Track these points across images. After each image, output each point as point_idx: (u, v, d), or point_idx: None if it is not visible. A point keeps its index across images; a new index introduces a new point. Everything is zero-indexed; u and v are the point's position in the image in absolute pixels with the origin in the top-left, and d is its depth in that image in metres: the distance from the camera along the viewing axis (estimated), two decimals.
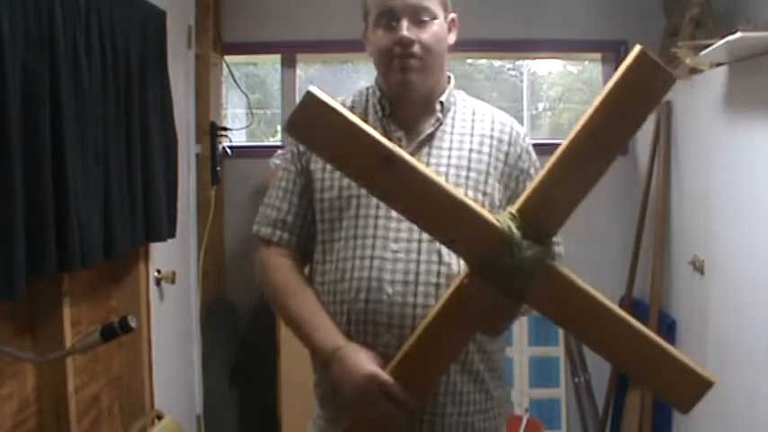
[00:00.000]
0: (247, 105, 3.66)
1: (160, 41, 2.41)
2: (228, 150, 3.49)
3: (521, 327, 3.50)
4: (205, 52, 3.19)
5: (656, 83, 1.23)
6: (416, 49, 1.44)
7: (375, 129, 1.46)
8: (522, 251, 1.21)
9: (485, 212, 1.26)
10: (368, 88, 1.58)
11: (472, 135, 1.52)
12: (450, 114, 1.54)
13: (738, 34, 2.05)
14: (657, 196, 2.95)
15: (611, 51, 3.63)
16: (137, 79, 2.19)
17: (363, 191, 1.42)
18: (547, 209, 1.25)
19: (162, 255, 2.57)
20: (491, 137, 1.52)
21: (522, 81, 3.99)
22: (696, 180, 2.70)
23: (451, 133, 1.52)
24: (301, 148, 1.52)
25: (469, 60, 3.96)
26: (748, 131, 2.27)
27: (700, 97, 2.64)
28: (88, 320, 2.15)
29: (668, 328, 2.86)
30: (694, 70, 2.71)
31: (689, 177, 2.78)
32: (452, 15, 1.53)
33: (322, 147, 1.25)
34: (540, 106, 4.04)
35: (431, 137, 1.50)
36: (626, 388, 3.28)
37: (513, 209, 1.25)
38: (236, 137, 3.63)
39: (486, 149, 1.50)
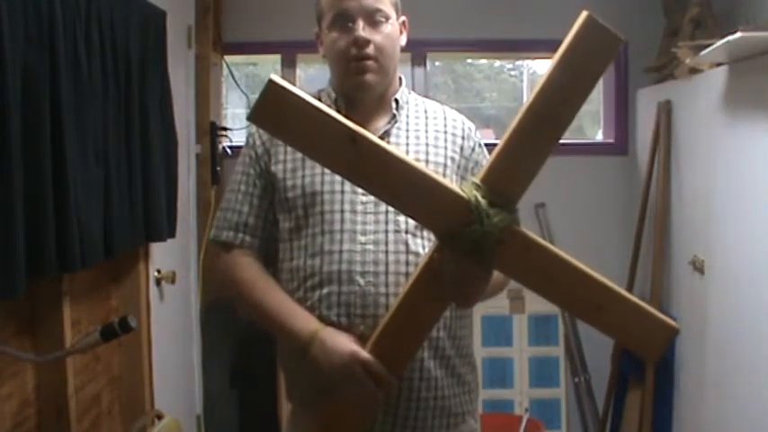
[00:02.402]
0: (247, 105, 3.66)
1: (160, 41, 2.41)
2: (228, 150, 3.49)
3: (521, 327, 3.50)
4: (205, 52, 3.19)
5: (604, 47, 1.26)
6: (371, 50, 1.48)
7: None
8: (490, 218, 1.25)
9: (450, 184, 1.31)
10: (320, 90, 1.61)
11: (427, 131, 1.57)
12: (403, 112, 1.58)
13: (738, 34, 2.05)
14: (657, 196, 2.95)
15: None
16: (137, 79, 2.19)
17: (327, 188, 1.47)
18: (509, 176, 1.29)
19: (162, 255, 2.57)
20: (445, 132, 1.58)
21: (522, 81, 3.99)
22: (696, 180, 2.70)
23: (407, 130, 1.56)
24: (259, 151, 1.55)
25: (469, 60, 3.96)
26: (748, 131, 2.27)
27: (700, 97, 2.64)
28: (88, 320, 2.15)
29: None
30: (694, 70, 2.71)
31: (689, 177, 2.78)
32: (403, 18, 1.59)
33: (287, 133, 1.28)
34: None
35: (387, 133, 1.54)
36: (626, 388, 3.28)
37: (477, 179, 1.29)
38: (236, 137, 3.64)
39: (441, 143, 1.56)
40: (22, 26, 1.58)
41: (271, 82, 1.21)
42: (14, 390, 1.78)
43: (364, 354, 1.37)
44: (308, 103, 1.24)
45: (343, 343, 1.39)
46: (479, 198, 1.25)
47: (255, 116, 1.24)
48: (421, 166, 1.33)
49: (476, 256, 1.28)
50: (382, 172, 1.26)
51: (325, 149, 1.27)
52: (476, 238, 1.26)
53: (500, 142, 1.30)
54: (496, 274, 1.41)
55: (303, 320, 1.44)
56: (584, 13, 1.23)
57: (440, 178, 1.32)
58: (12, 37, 1.53)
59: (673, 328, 1.36)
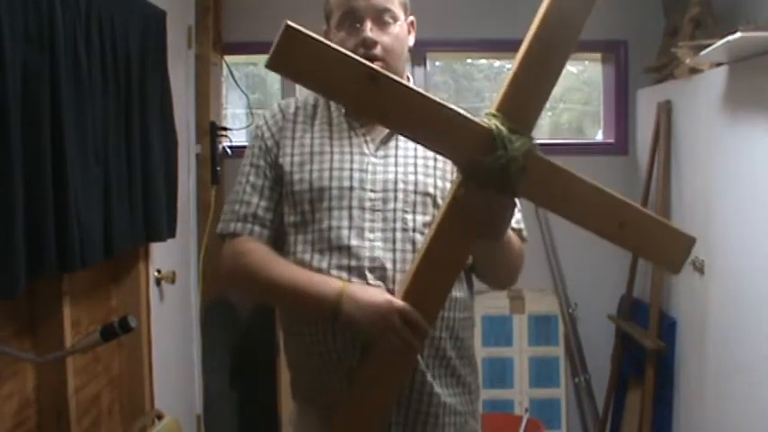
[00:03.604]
0: (247, 105, 3.66)
1: (160, 41, 2.41)
2: (228, 150, 3.49)
3: (521, 327, 3.50)
4: (205, 52, 3.19)
5: None
6: (379, 50, 1.48)
7: (339, 125, 1.53)
8: (513, 144, 1.27)
9: (470, 115, 1.31)
10: None
11: None
12: None
13: (738, 34, 2.05)
14: (657, 196, 2.95)
15: (611, 51, 3.63)
16: (137, 79, 2.19)
17: (336, 183, 1.46)
18: (523, 102, 1.31)
19: (162, 255, 2.57)
20: None
21: None
22: (696, 180, 2.70)
23: None
24: (269, 143, 1.54)
25: (469, 60, 3.96)
26: (748, 131, 2.27)
27: (700, 97, 2.64)
28: (88, 320, 2.15)
29: (668, 328, 2.86)
30: (694, 70, 2.71)
31: (689, 177, 2.78)
32: (411, 18, 1.57)
33: (307, 76, 1.27)
34: None
35: (394, 136, 1.53)
36: (626, 388, 3.28)
37: (492, 109, 1.31)
38: (236, 137, 3.63)
39: None
40: (22, 26, 1.58)
41: (287, 26, 1.21)
42: (14, 390, 1.78)
43: (399, 302, 1.36)
44: (324, 45, 1.24)
45: (377, 294, 1.38)
46: (500, 126, 1.27)
47: (273, 62, 1.23)
48: (439, 99, 1.32)
49: (501, 184, 1.29)
50: (402, 107, 1.27)
51: (346, 89, 1.26)
52: (501, 165, 1.27)
53: (509, 72, 1.32)
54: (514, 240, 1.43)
55: (325, 283, 1.41)
56: None
57: (459, 109, 1.31)
58: (12, 37, 1.53)
59: (690, 238, 1.42)
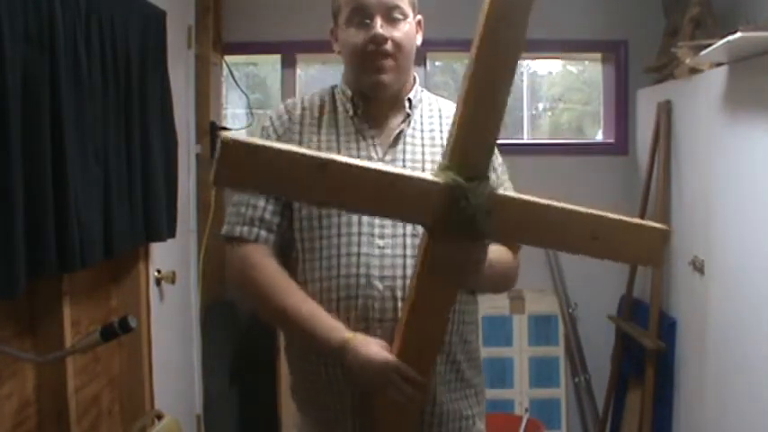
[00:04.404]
0: (247, 105, 3.66)
1: (160, 41, 2.41)
2: None
3: (521, 327, 3.50)
4: (205, 52, 3.19)
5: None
6: (389, 47, 1.46)
7: (347, 128, 1.51)
8: (474, 192, 1.27)
9: (425, 176, 1.32)
10: (334, 87, 1.59)
11: (441, 131, 1.54)
12: (417, 112, 1.56)
13: (738, 34, 2.04)
14: (657, 196, 2.95)
15: (611, 51, 3.62)
16: (137, 79, 2.19)
17: None
18: (474, 146, 1.30)
19: (162, 255, 2.57)
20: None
21: (522, 81, 3.99)
22: (696, 180, 2.70)
23: (422, 130, 1.54)
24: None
25: None
26: (748, 131, 2.27)
27: (700, 97, 2.64)
28: (88, 320, 2.15)
29: (668, 328, 2.86)
30: (694, 70, 2.71)
31: (689, 177, 2.78)
32: (419, 17, 1.56)
33: (257, 181, 1.26)
34: (540, 106, 4.04)
35: (402, 134, 1.52)
36: (626, 388, 3.28)
37: (444, 161, 1.31)
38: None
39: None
40: (22, 26, 1.58)
41: (223, 140, 1.19)
42: (14, 390, 1.78)
43: (395, 361, 1.35)
44: (265, 146, 1.23)
45: (376, 353, 1.36)
46: (456, 178, 1.26)
47: (217, 179, 1.21)
48: (390, 167, 1.34)
49: (471, 234, 1.29)
50: (357, 188, 1.26)
51: (298, 184, 1.24)
52: (468, 216, 1.27)
53: (454, 115, 1.31)
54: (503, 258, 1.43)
55: (333, 329, 1.39)
56: None
57: (412, 173, 1.33)
58: (12, 37, 1.53)
59: (664, 230, 1.44)
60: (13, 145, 1.52)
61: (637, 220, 1.41)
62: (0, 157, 1.51)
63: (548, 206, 1.37)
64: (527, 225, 1.35)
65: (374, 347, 1.37)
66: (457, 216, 1.26)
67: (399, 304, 1.42)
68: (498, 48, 1.27)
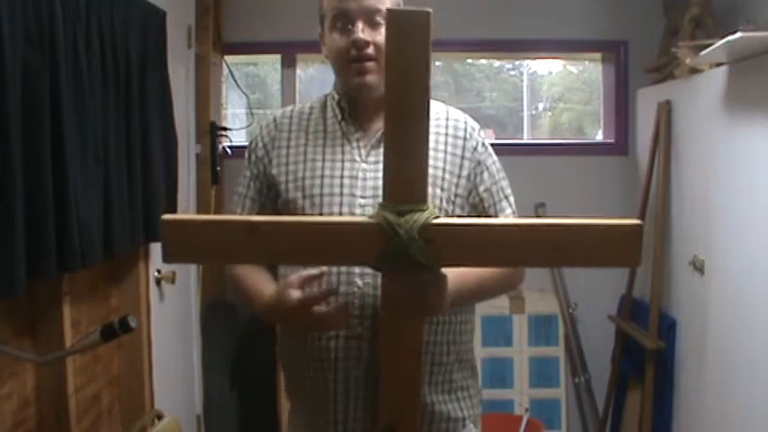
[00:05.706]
0: (247, 105, 3.66)
1: (160, 41, 2.41)
2: (228, 150, 3.49)
3: (521, 327, 3.50)
4: (205, 52, 3.19)
5: (417, 24, 1.28)
6: (371, 50, 1.48)
7: (333, 132, 1.55)
8: (406, 228, 1.25)
9: (356, 219, 1.37)
10: (326, 94, 1.62)
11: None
12: None
13: (738, 34, 2.05)
14: (657, 196, 2.95)
15: (611, 51, 3.63)
16: (137, 79, 2.19)
17: (327, 190, 1.48)
18: (404, 179, 1.30)
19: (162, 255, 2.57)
20: (446, 134, 1.56)
21: (522, 81, 3.99)
22: (696, 180, 2.70)
23: None
24: (260, 153, 1.57)
25: (469, 60, 3.96)
26: (748, 131, 2.27)
27: (700, 97, 2.64)
28: (88, 320, 2.15)
29: (668, 328, 2.86)
30: (694, 70, 2.71)
31: (689, 177, 2.78)
32: None
33: (199, 253, 1.34)
34: (540, 106, 4.04)
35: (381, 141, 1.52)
36: (626, 388, 3.28)
37: (380, 199, 1.31)
38: (236, 137, 3.63)
39: (441, 147, 1.54)
40: (22, 26, 1.58)
41: (163, 221, 1.27)
42: (14, 390, 1.78)
43: (302, 295, 1.36)
44: (200, 220, 1.34)
45: (289, 293, 1.36)
46: (388, 215, 1.26)
47: (167, 256, 1.29)
48: (320, 218, 1.41)
49: (413, 266, 1.28)
50: (288, 244, 1.29)
51: (232, 248, 1.30)
52: (403, 251, 1.25)
53: (381, 152, 1.32)
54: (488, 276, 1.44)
55: (267, 287, 1.46)
56: (386, 10, 1.32)
57: (344, 219, 1.38)
58: (12, 37, 1.53)
59: (636, 225, 1.30)
60: (13, 145, 1.52)
61: (608, 221, 1.32)
62: (0, 157, 1.51)
63: (498, 225, 1.36)
64: (478, 247, 1.31)
65: (289, 291, 1.37)
66: (393, 253, 1.26)
67: (379, 301, 1.43)
68: (405, 81, 1.26)
